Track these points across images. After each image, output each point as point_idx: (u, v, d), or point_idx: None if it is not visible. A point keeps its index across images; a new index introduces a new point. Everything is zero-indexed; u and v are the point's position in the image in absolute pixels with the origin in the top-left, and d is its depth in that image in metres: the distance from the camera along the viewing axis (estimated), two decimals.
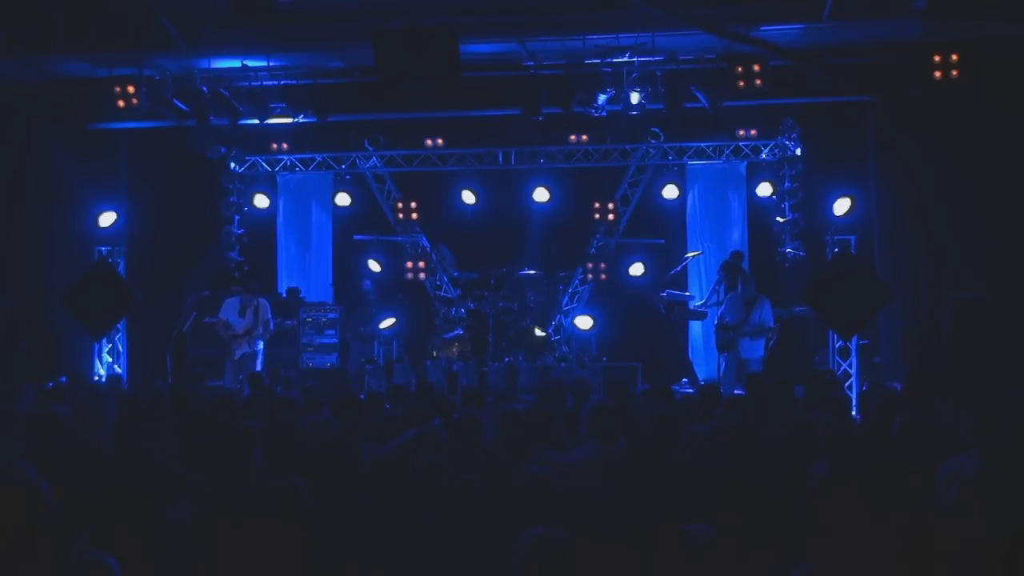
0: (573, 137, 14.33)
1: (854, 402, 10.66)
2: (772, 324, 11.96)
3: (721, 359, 12.35)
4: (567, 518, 3.75)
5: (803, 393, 8.58)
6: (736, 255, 13.46)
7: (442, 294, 14.97)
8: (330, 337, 14.13)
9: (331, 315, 14.19)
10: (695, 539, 3.80)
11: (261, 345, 12.82)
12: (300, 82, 12.32)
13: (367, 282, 14.56)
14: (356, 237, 15.20)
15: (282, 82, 12.26)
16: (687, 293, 14.08)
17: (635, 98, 11.57)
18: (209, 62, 12.12)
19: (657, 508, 3.67)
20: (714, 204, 14.67)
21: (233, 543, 3.98)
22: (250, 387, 10.03)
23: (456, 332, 13.97)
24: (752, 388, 8.54)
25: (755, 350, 11.92)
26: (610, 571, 3.46)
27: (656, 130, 13.93)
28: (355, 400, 7.60)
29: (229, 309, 12.74)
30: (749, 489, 3.80)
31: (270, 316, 12.83)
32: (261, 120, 12.57)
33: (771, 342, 12.32)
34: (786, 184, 13.71)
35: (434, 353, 13.94)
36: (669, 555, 3.53)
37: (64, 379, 10.98)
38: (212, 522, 4.07)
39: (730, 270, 13.08)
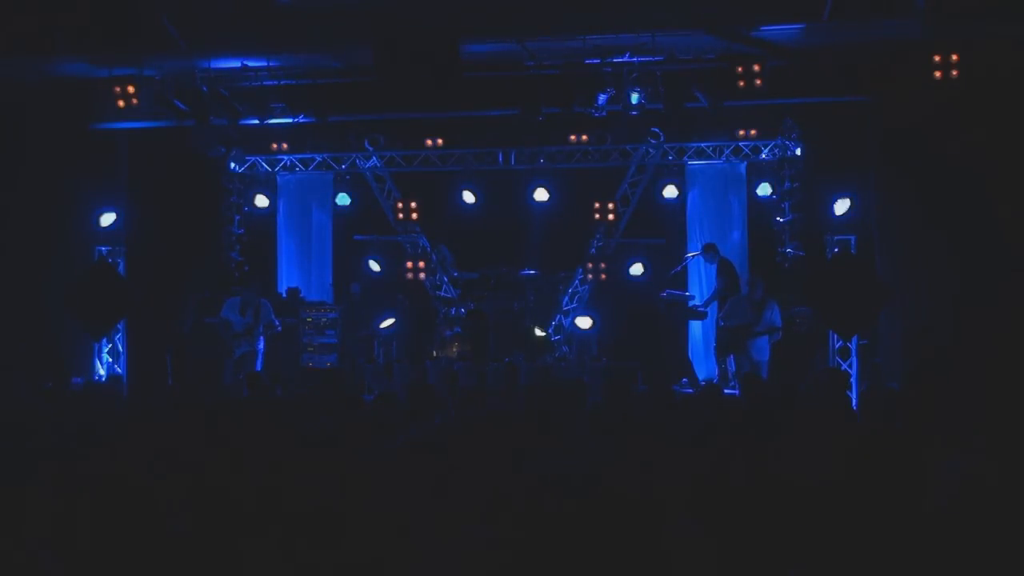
0: (573, 137, 14.32)
1: (854, 402, 10.66)
2: (780, 324, 12.05)
3: (729, 360, 12.40)
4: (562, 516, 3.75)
5: (804, 393, 8.59)
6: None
7: (442, 294, 14.96)
8: (330, 337, 14.11)
9: (331, 315, 14.17)
10: (681, 533, 3.83)
11: (262, 344, 12.84)
12: (300, 82, 12.32)
13: (355, 285, 14.56)
14: (356, 237, 15.21)
15: (282, 82, 12.27)
16: (687, 293, 14.08)
17: (635, 98, 11.58)
18: (209, 62, 12.12)
19: (651, 506, 3.67)
20: (714, 204, 14.66)
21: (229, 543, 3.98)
22: (249, 387, 10.04)
23: (456, 332, 13.96)
24: (752, 389, 8.54)
25: (765, 351, 12.02)
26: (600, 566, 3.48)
27: (656, 130, 13.93)
28: (356, 400, 7.61)
29: (230, 308, 12.80)
30: (738, 487, 3.81)
31: (273, 316, 12.84)
32: (261, 120, 12.58)
33: (771, 341, 12.37)
34: (786, 184, 13.72)
35: (434, 353, 13.94)
36: (657, 549, 3.54)
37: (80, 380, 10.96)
38: (211, 524, 4.07)
39: (728, 270, 13.09)
